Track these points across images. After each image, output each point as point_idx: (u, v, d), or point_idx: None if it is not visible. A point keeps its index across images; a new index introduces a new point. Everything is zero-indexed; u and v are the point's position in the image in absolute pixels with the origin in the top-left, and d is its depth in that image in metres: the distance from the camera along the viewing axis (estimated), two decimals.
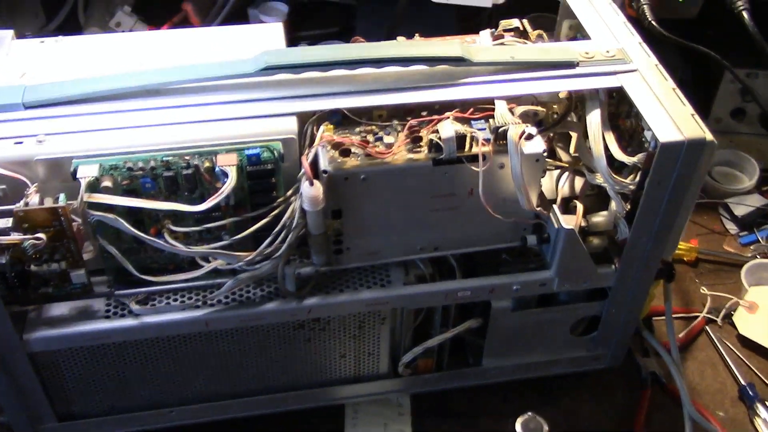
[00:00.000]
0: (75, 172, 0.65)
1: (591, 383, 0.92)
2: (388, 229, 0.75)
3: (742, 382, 0.92)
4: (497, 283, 0.78)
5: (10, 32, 0.79)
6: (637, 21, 0.90)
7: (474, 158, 0.70)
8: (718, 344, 0.97)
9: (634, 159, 0.72)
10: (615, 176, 0.73)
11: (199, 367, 0.80)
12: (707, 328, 0.99)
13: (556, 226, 0.75)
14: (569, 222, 0.74)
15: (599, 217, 0.77)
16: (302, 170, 0.68)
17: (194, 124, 0.68)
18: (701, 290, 1.02)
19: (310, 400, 0.86)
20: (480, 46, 0.79)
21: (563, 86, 0.73)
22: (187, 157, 0.67)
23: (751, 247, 1.09)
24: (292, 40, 1.41)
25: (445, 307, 0.82)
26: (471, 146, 0.70)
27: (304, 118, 0.71)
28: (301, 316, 0.77)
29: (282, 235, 0.70)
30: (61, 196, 0.66)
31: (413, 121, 0.71)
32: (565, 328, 0.86)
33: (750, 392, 0.90)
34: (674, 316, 0.98)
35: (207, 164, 0.67)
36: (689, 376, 0.94)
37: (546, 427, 0.76)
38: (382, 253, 0.77)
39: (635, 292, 0.82)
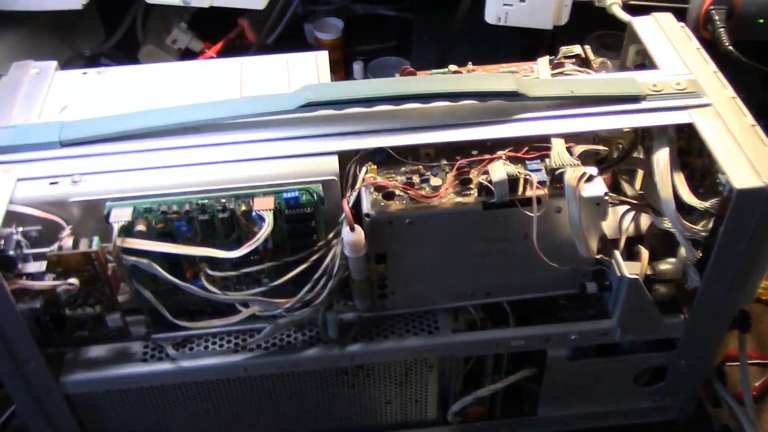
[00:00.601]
0: (108, 215, 0.63)
1: None
2: (436, 274, 0.70)
3: None
4: (553, 332, 0.73)
5: (54, 63, 0.78)
6: (712, 44, 0.83)
7: (528, 202, 0.65)
8: None
9: (707, 204, 0.66)
10: (685, 222, 0.67)
11: (240, 411, 0.77)
12: None
13: (618, 274, 0.69)
14: (633, 270, 0.68)
15: (667, 265, 0.71)
16: (343, 214, 0.64)
17: (231, 164, 0.65)
18: None
19: None
20: (536, 79, 0.74)
21: (628, 123, 0.68)
22: (223, 200, 0.64)
23: None
24: (348, 56, 1.38)
25: (498, 354, 0.77)
26: (525, 189, 0.65)
27: (346, 157, 0.67)
28: (344, 363, 0.73)
29: (323, 280, 0.67)
30: (95, 240, 0.64)
31: (462, 161, 0.67)
32: (627, 378, 0.80)
33: None
34: (751, 362, 0.91)
35: (243, 208, 0.64)
36: (766, 430, 0.86)
37: None
38: (430, 299, 0.72)
39: (707, 343, 0.75)
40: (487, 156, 0.67)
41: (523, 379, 0.79)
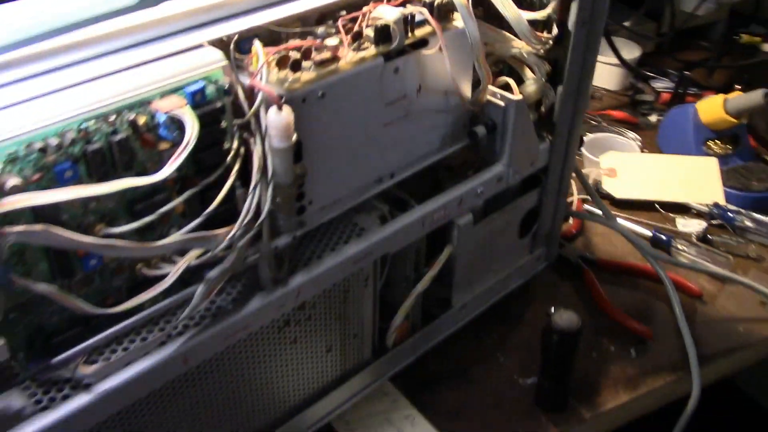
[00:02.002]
0: None
1: (542, 292, 0.87)
2: (348, 163, 0.61)
3: (648, 233, 0.95)
4: (463, 192, 0.70)
5: None
6: None
7: (420, 44, 0.61)
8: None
9: (548, 11, 0.70)
10: (539, 34, 0.69)
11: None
12: (586, 207, 1.00)
13: (503, 104, 0.69)
14: (514, 95, 0.69)
15: (531, 86, 0.72)
16: (258, 99, 0.52)
17: (98, 82, 0.48)
18: None
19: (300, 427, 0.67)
20: None
21: None
22: (112, 118, 0.47)
23: None
24: None
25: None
26: (413, 30, 0.61)
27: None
28: (290, 303, 0.59)
29: (258, 191, 0.53)
30: None
31: (342, 21, 0.59)
32: (514, 231, 0.80)
33: (662, 236, 0.94)
34: None
35: (144, 119, 0.48)
36: (600, 255, 0.94)
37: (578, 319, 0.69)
38: (345, 199, 0.63)
39: (565, 163, 0.79)
40: (359, 12, 0.61)
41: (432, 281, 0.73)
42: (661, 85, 1.26)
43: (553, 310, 0.70)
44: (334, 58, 0.57)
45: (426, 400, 0.75)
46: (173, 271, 0.51)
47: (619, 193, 1.00)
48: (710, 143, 1.05)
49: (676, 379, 0.77)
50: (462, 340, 0.80)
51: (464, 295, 0.78)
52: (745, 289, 0.87)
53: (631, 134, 1.14)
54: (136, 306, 0.50)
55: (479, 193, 0.71)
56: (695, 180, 1.01)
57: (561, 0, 0.69)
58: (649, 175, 1.02)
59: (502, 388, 0.76)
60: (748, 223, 0.94)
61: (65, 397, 0.49)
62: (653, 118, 1.20)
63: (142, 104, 0.48)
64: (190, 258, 0.51)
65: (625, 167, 1.02)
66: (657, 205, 1.00)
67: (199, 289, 0.53)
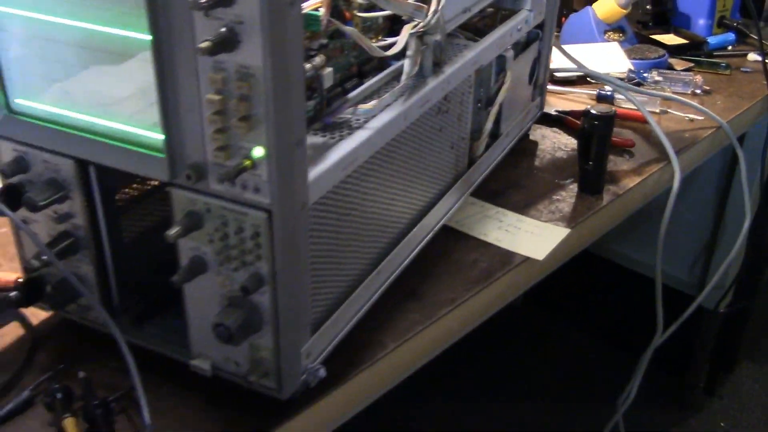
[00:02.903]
0: None
1: (539, 135, 1.10)
2: None
3: (593, 92, 1.21)
4: (510, 27, 0.90)
5: None
6: None
7: None
8: None
9: None
10: None
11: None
12: None
13: None
14: None
15: None
16: None
17: None
18: None
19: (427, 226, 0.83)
20: None
21: None
22: None
23: None
24: None
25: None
26: None
27: None
28: (445, 88, 0.76)
29: None
30: None
31: None
32: (526, 77, 1.02)
33: (606, 92, 1.20)
34: None
35: None
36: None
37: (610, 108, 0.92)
38: (452, 20, 0.80)
39: (552, 20, 1.03)
40: None
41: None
42: None
43: (588, 107, 0.92)
44: None
45: (499, 204, 0.93)
46: (403, 34, 0.66)
47: (558, 74, 1.26)
48: (608, 34, 1.35)
49: (663, 167, 1.03)
50: (503, 170, 0.99)
51: (506, 126, 0.98)
52: (675, 115, 1.16)
53: None
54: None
55: (519, 30, 0.92)
56: (608, 58, 1.29)
57: None
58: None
59: (551, 188, 0.97)
60: (658, 78, 1.24)
61: (350, 134, 0.62)
62: None
63: None
64: (408, 28, 0.67)
65: (554, 57, 1.29)
66: (588, 79, 1.27)
67: (406, 61, 0.69)
